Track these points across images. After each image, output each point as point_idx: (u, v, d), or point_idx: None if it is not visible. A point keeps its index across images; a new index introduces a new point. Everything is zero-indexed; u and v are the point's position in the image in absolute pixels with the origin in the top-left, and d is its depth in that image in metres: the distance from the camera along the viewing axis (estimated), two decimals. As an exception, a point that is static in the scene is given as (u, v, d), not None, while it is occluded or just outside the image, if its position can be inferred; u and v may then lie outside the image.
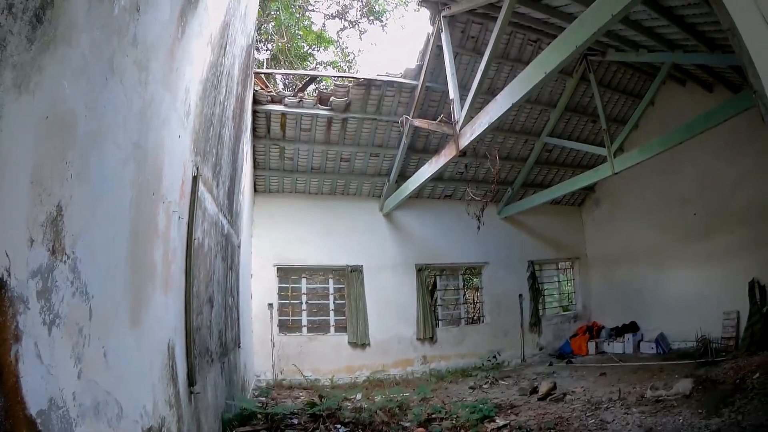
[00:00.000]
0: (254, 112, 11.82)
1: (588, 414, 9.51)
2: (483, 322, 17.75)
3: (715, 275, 14.58)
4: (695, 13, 9.85)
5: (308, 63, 23.05)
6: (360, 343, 14.68)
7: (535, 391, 11.71)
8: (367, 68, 31.32)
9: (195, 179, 4.63)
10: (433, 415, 9.54)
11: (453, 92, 11.03)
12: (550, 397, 11.04)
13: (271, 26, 21.23)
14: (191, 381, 4.36)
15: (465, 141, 10.64)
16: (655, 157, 13.07)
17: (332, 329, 15.00)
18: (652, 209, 16.89)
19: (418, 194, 15.63)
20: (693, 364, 12.44)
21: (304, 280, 14.91)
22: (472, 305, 19.27)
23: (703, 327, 14.07)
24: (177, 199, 4.12)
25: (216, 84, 5.80)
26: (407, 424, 8.74)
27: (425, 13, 11.98)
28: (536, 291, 18.45)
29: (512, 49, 13.06)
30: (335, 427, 7.57)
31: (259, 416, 7.16)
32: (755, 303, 12.85)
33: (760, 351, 11.87)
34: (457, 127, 10.82)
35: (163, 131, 3.72)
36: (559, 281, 20.49)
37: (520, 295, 18.13)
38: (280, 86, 19.74)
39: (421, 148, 14.76)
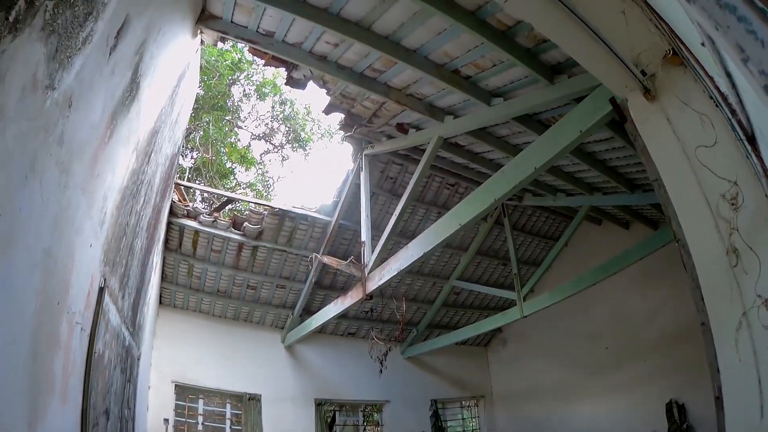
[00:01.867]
0: (169, 224, 11.95)
1: None
2: (384, 459, 17.68)
3: (629, 402, 15.42)
4: (618, 157, 10.66)
5: (229, 180, 23.88)
6: None
7: None
8: (284, 196, 32.45)
9: (101, 291, 4.63)
10: None
11: (365, 234, 11.57)
12: None
13: (198, 136, 21.68)
14: None
15: (373, 285, 11.11)
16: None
17: None
18: (561, 346, 17.85)
19: (321, 329, 16.03)
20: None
21: (201, 401, 14.67)
22: (372, 442, 19.09)
23: (620, 453, 14.59)
24: (81, 309, 4.08)
25: (135, 193, 5.82)
26: None
27: (348, 147, 12.43)
28: (439, 429, 18.81)
29: (429, 191, 13.73)
30: None
31: None
32: (674, 422, 13.86)
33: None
34: (366, 270, 11.33)
35: (76, 239, 3.72)
36: (463, 419, 20.94)
37: (423, 432, 17.97)
38: (198, 200, 19.96)
39: (328, 284, 15.19)
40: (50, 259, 3.20)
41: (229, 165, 23.92)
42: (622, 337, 15.75)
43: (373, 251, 11.22)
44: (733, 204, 3.52)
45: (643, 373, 15.00)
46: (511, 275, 15.16)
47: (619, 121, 5.55)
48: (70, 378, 3.92)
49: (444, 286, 17.02)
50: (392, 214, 11.05)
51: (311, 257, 12.89)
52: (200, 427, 14.54)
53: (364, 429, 18.73)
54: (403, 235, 11.36)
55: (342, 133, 11.93)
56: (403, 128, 10.85)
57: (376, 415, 19.18)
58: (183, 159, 20.97)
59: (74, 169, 3.48)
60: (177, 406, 14.02)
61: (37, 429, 3.16)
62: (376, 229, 11.70)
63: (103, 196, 4.34)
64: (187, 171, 21.24)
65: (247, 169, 25.37)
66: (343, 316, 15.19)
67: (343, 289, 12.71)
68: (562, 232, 16.28)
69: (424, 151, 10.45)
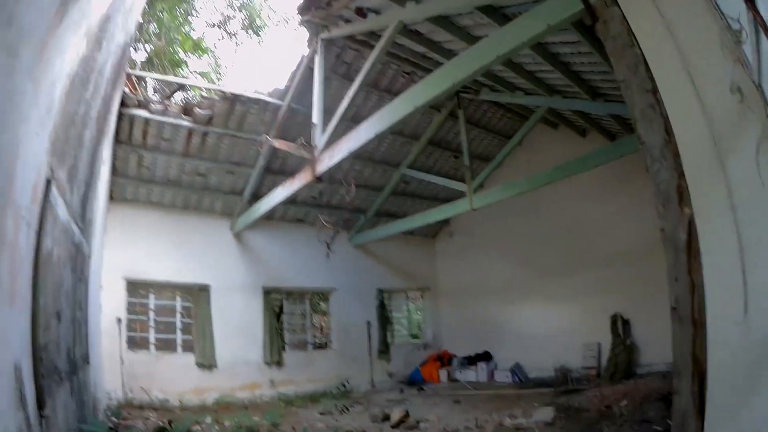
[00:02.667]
0: (119, 115, 11.67)
1: (444, 442, 10.04)
2: (330, 347, 18.70)
3: (574, 310, 16.34)
4: (583, 62, 10.79)
5: (181, 70, 23.44)
6: (207, 364, 14.90)
7: (387, 418, 12.20)
8: (237, 83, 31.62)
9: (49, 183, 4.40)
10: None
11: (317, 116, 11.67)
12: (403, 425, 11.58)
13: (152, 26, 21.27)
14: (41, 404, 4.14)
15: (322, 167, 11.28)
16: (517, 197, 14.23)
17: (180, 348, 15.10)
18: (510, 246, 18.59)
19: (270, 216, 16.27)
20: (552, 392, 13.73)
21: (152, 296, 15.06)
22: (319, 330, 19.88)
23: (561, 358, 15.79)
24: (28, 204, 3.85)
25: (85, 81, 5.61)
26: (258, 452, 8.92)
27: (304, 33, 12.27)
28: (385, 319, 19.63)
29: (384, 78, 14.00)
30: (187, 455, 7.62)
31: (110, 440, 7.02)
32: (618, 336, 14.66)
33: (625, 380, 13.47)
34: (316, 152, 11.48)
35: (21, 127, 3.50)
36: (408, 310, 21.86)
37: (368, 322, 19.16)
38: (150, 92, 19.58)
39: (278, 169, 15.42)
40: (-7, 148, 3.08)
41: (182, 56, 23.60)
42: (571, 244, 16.42)
43: (324, 133, 11.30)
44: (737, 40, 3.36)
45: (591, 283, 15.77)
46: (462, 168, 15.45)
47: (589, 26, 5.51)
48: (18, 278, 3.73)
49: (394, 173, 17.34)
50: (345, 98, 11.01)
51: (261, 139, 12.97)
52: (152, 323, 14.90)
53: (311, 317, 19.09)
54: (355, 121, 11.31)
55: (300, 17, 11.79)
56: (362, 12, 10.83)
57: (322, 304, 19.60)
58: (136, 52, 20.69)
59: (22, 52, 3.34)
60: (129, 304, 14.29)
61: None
62: (329, 114, 11.44)
63: (51, 83, 4.16)
64: (138, 64, 20.76)
65: (200, 57, 25.11)
66: (291, 201, 15.60)
67: (293, 174, 12.61)
68: (516, 131, 16.36)
69: (381, 36, 10.45)
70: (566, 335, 16.16)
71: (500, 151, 16.49)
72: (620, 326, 14.58)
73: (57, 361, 5.31)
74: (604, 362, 14.85)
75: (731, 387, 3.36)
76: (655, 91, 4.26)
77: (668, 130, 4.16)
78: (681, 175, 4.06)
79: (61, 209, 5.23)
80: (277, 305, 17.23)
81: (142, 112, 12.14)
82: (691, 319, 4.01)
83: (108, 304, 12.98)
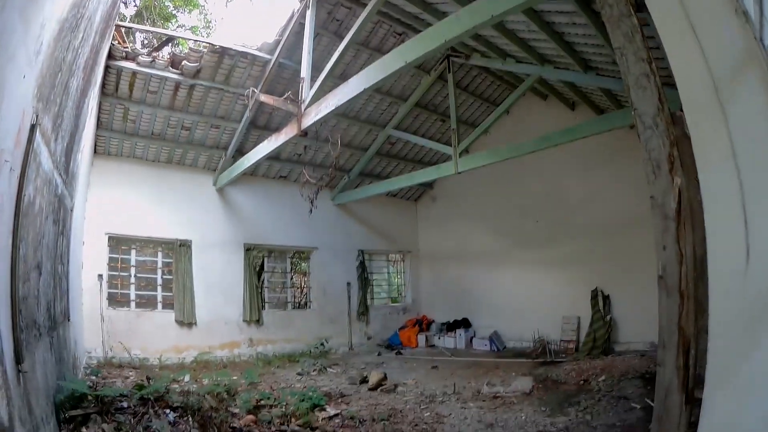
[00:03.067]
0: (106, 67, 11.58)
1: (422, 407, 10.11)
2: (310, 307, 18.85)
3: (553, 281, 16.53)
4: (577, 33, 10.73)
5: (170, 24, 23.26)
6: (187, 322, 15.04)
7: (365, 380, 12.38)
8: (225, 37, 31.15)
9: (33, 128, 4.24)
10: (262, 402, 9.76)
11: (305, 70, 11.55)
12: (381, 388, 11.73)
13: None
14: (19, 358, 4.03)
15: (308, 121, 11.20)
16: (501, 166, 14.69)
17: (160, 306, 15.22)
18: (492, 213, 18.65)
19: (253, 172, 16.57)
20: (530, 363, 14.02)
21: (133, 252, 15.13)
22: (299, 290, 19.97)
23: (540, 329, 15.87)
24: (11, 147, 3.73)
25: (74, 27, 5.41)
26: (236, 410, 9.02)
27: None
28: (365, 280, 19.75)
29: (374, 38, 13.83)
30: (164, 412, 7.68)
31: (89, 398, 6.99)
32: (598, 311, 14.81)
33: (603, 355, 13.70)
34: (303, 106, 11.38)
35: (8, 66, 3.39)
36: (389, 273, 22.11)
37: (348, 284, 19.33)
38: (138, 45, 19.32)
39: (263, 125, 15.32)
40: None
41: (171, 9, 23.45)
42: (554, 215, 16.51)
43: (311, 87, 11.22)
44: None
45: (572, 255, 15.92)
46: (448, 132, 15.34)
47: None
48: None
49: (380, 134, 17.28)
50: (334, 54, 11.02)
51: (248, 92, 12.81)
52: (133, 279, 14.91)
53: (292, 276, 19.13)
54: (343, 78, 11.18)
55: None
56: (356, -31, 10.65)
57: (303, 264, 19.61)
58: (126, 6, 20.56)
59: (15, -11, 3.19)
60: (110, 260, 14.28)
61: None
62: (317, 70, 11.37)
63: (41, 25, 4.02)
64: (127, 18, 20.52)
65: (189, 12, 24.94)
66: (275, 158, 15.94)
67: (279, 130, 12.56)
68: (505, 98, 16.35)
69: (376, -7, 10.33)
70: (546, 307, 16.31)
71: (487, 117, 16.45)
72: (601, 301, 14.70)
73: (37, 315, 5.27)
74: (583, 337, 15.01)
75: (732, 340, 3.26)
76: (650, 60, 4.26)
77: (661, 100, 4.15)
78: (672, 143, 4.04)
79: (44, 157, 5.15)
80: (257, 263, 17.20)
81: (129, 65, 11.95)
82: (679, 289, 4.01)
83: (89, 260, 13.04)
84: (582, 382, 10.94)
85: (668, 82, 3.99)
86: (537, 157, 14.32)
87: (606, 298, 14.68)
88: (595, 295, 14.77)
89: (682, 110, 3.73)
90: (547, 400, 9.78)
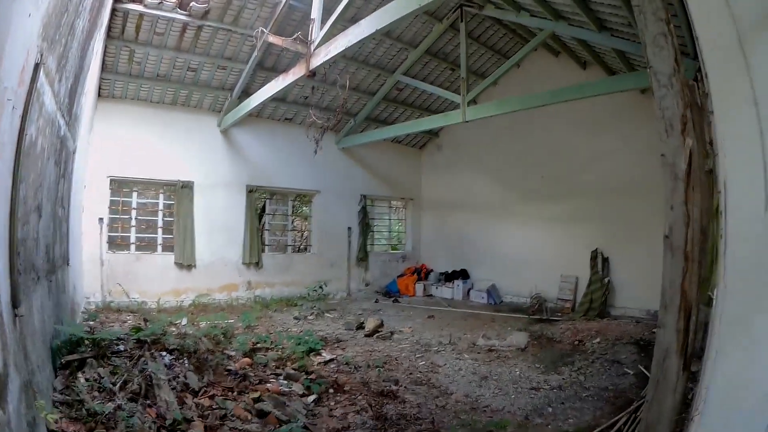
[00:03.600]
0: (113, 11, 11.32)
1: (418, 355, 10.33)
2: (310, 251, 18.99)
3: (554, 238, 16.55)
4: None
5: None
6: (186, 264, 15.26)
7: (361, 326, 12.59)
8: None
9: (37, 67, 4.16)
10: (258, 345, 10.05)
11: (316, 11, 11.33)
12: (377, 335, 11.98)
13: None
14: (15, 302, 3.97)
15: (317, 62, 11.03)
16: (509, 119, 14.95)
17: (160, 248, 15.41)
18: (497, 165, 18.60)
19: (259, 113, 16.51)
20: (526, 319, 14.03)
21: (135, 194, 15.22)
22: (299, 234, 20.02)
23: (538, 286, 16.07)
24: (14, 86, 3.66)
25: None
26: (232, 353, 9.12)
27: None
28: (366, 226, 19.84)
29: (389, -18, 13.24)
30: (160, 355, 7.73)
31: (86, 342, 6.98)
32: (596, 272, 14.84)
33: (599, 318, 13.84)
34: (312, 47, 11.21)
35: (14, 5, 3.34)
36: (390, 219, 22.16)
37: (349, 228, 19.44)
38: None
39: (271, 66, 15.03)
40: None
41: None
42: (559, 172, 16.43)
43: (322, 28, 11.04)
44: None
45: (575, 214, 15.94)
46: (457, 81, 15.31)
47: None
48: None
49: (388, 79, 17.11)
50: (348, 0, 10.81)
51: (257, 32, 12.59)
52: (133, 221, 15.01)
53: (293, 220, 19.19)
54: (353, 22, 10.95)
55: None
56: None
57: (305, 208, 19.67)
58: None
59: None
60: (111, 203, 14.36)
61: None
62: (328, 13, 11.13)
63: None
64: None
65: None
66: (281, 99, 15.91)
67: (286, 71, 12.44)
68: (516, 51, 15.97)
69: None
70: (545, 264, 16.39)
71: (497, 69, 16.08)
72: (600, 263, 14.72)
73: (35, 258, 5.26)
74: (580, 297, 15.06)
75: (747, 291, 3.30)
76: (668, 21, 4.24)
77: (677, 61, 4.16)
78: (687, 104, 4.05)
79: (48, 98, 5.10)
80: (259, 205, 17.25)
81: (137, 7, 11.75)
82: (684, 251, 4.02)
83: (90, 204, 13.09)
84: (577, 342, 11.08)
85: (682, 51, 3.96)
86: (545, 113, 14.41)
87: (605, 260, 14.70)
88: (594, 256, 14.79)
89: (695, 79, 3.71)
90: (542, 358, 9.95)
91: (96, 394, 5.80)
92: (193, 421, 5.98)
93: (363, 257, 19.47)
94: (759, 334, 3.17)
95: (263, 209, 17.89)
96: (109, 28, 11.99)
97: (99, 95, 13.67)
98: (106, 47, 12.47)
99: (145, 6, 11.79)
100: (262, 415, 6.58)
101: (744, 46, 3.24)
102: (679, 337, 4.06)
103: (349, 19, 12.26)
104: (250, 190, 16.76)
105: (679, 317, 4.06)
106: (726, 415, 3.35)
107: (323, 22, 11.14)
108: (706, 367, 3.46)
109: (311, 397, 7.58)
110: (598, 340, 10.97)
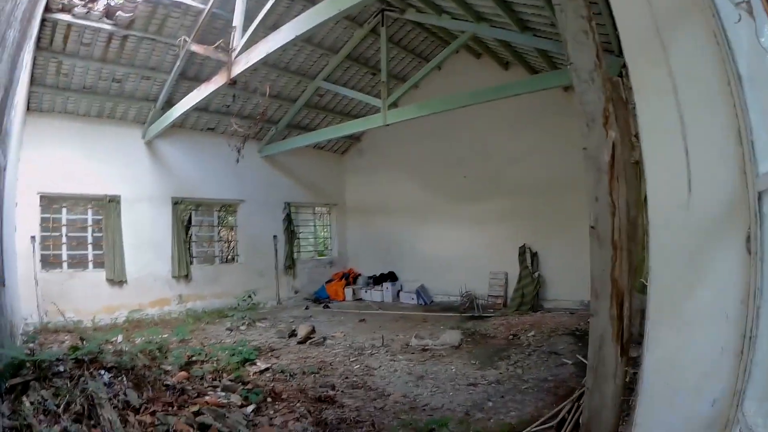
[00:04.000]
0: (42, 21, 11.08)
1: (352, 359, 10.42)
2: (237, 261, 18.87)
3: (481, 237, 16.85)
4: None
5: None
6: (117, 280, 14.99)
7: (293, 334, 12.59)
8: None
9: None
10: (194, 358, 9.88)
11: (238, 18, 11.37)
12: (310, 341, 12.01)
13: None
14: None
15: (238, 69, 11.11)
16: (431, 121, 15.08)
17: (91, 265, 15.15)
18: (420, 168, 18.87)
19: (182, 123, 16.37)
20: (458, 317, 14.35)
21: (64, 210, 14.88)
22: (226, 244, 19.80)
23: (467, 284, 16.25)
24: None
25: None
26: (169, 368, 9.05)
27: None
28: (291, 233, 19.89)
29: (309, -12, 13.39)
30: (99, 373, 7.60)
31: (28, 365, 6.95)
32: (526, 267, 15.21)
33: (531, 312, 14.20)
34: (233, 55, 11.27)
35: None
36: (315, 226, 22.30)
37: (275, 237, 19.39)
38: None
39: (194, 76, 14.97)
40: None
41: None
42: (483, 172, 16.76)
43: (243, 36, 11.09)
44: None
45: (500, 212, 16.26)
46: (378, 86, 15.49)
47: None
48: None
49: (309, 85, 17.17)
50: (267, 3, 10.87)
51: (180, 40, 12.55)
52: (64, 239, 14.73)
53: (219, 230, 19.08)
54: (275, 29, 11.07)
55: None
56: None
57: (230, 218, 19.56)
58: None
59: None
60: (42, 220, 14.09)
61: None
62: (249, 20, 11.09)
63: None
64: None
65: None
66: (204, 109, 15.85)
67: (208, 80, 12.49)
68: (436, 54, 16.33)
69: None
70: (473, 262, 16.64)
71: (418, 72, 16.31)
72: (529, 258, 15.09)
73: (-30, 281, 4.92)
74: (511, 293, 15.40)
75: (675, 275, 3.44)
76: (590, 18, 4.40)
77: (599, 56, 4.34)
78: (608, 99, 4.23)
79: (-25, 113, 4.75)
80: (185, 217, 17.11)
81: (65, 17, 11.59)
82: (611, 240, 4.20)
83: (22, 222, 12.72)
84: (511, 336, 11.35)
85: (606, 48, 4.13)
86: (468, 114, 14.65)
87: (534, 255, 15.07)
88: (523, 251, 15.14)
89: (619, 75, 3.89)
90: (477, 354, 10.11)
91: (42, 417, 5.73)
92: (138, 439, 5.95)
93: (290, 265, 19.47)
94: (689, 317, 3.32)
95: (189, 221, 17.67)
96: (39, 39, 11.78)
97: (28, 108, 13.43)
98: (35, 59, 12.25)
99: (74, 16, 11.62)
100: (203, 428, 6.53)
101: (662, 34, 3.39)
102: (613, 323, 4.23)
103: (270, 26, 12.25)
104: (176, 202, 16.58)
105: (612, 304, 4.23)
106: (669, 396, 3.48)
107: (245, 29, 11.19)
108: (644, 352, 3.61)
109: (250, 407, 7.55)
110: (533, 333, 11.26)
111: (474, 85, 14.00)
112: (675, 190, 3.34)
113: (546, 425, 6.08)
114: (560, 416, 6.11)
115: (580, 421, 5.15)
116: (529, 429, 6.04)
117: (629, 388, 4.29)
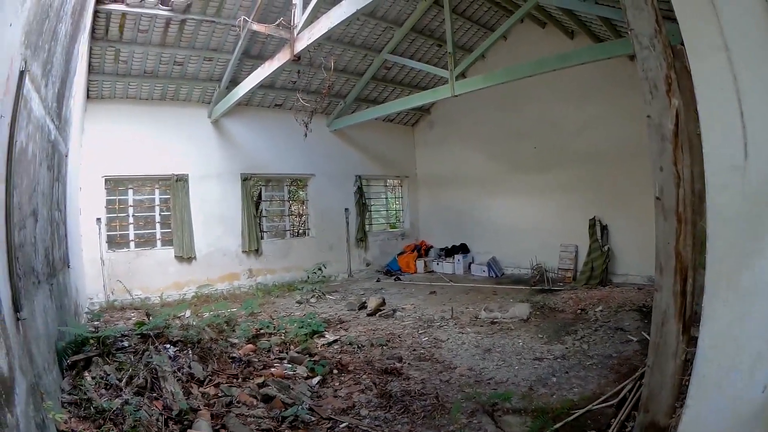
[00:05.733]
0: (95, 12, 11.31)
1: (420, 331, 10.35)
2: (308, 235, 18.95)
3: (552, 208, 16.46)
4: None
5: None
6: (186, 256, 15.33)
7: (363, 306, 12.64)
8: None
9: (22, 75, 4.18)
10: (262, 331, 10.12)
11: (297, -5, 11.26)
12: (379, 313, 12.02)
13: None
14: (17, 306, 3.95)
15: (301, 45, 10.99)
16: (499, 92, 14.77)
17: (159, 243, 15.53)
18: (490, 138, 18.49)
19: (248, 102, 16.45)
20: (528, 290, 14.16)
21: (131, 191, 15.28)
22: (297, 218, 19.87)
23: (538, 256, 16.01)
24: (0, 95, 3.67)
25: None
26: (236, 341, 9.15)
27: None
28: (363, 206, 19.82)
29: (369, -39, 13.14)
30: (165, 347, 7.70)
31: (91, 341, 6.94)
32: (596, 240, 14.80)
33: (600, 286, 13.91)
34: (295, 31, 11.17)
35: None
36: (386, 198, 22.19)
37: (347, 210, 19.41)
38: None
39: (257, 54, 14.97)
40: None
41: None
42: (551, 142, 16.36)
43: (303, 12, 10.95)
44: None
45: (570, 183, 15.84)
46: (444, 57, 15.35)
47: None
48: None
49: (375, 58, 17.01)
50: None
51: (240, 20, 12.50)
52: (131, 219, 15.05)
53: (290, 205, 19.15)
54: (335, 3, 10.95)
55: None
56: None
57: (301, 192, 19.61)
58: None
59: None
60: (108, 202, 14.42)
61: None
62: (309, -3, 11.01)
63: None
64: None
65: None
66: (270, 86, 15.90)
67: (272, 58, 12.42)
68: (501, 24, 15.75)
69: None
70: (544, 234, 16.36)
71: (483, 42, 15.99)
72: (599, 231, 14.69)
73: (35, 262, 5.25)
74: (581, 266, 15.09)
75: (731, 246, 3.29)
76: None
77: (658, 22, 4.08)
78: (670, 65, 3.99)
79: (35, 104, 5.08)
80: (255, 193, 17.23)
81: (118, 7, 11.70)
82: (676, 212, 3.97)
83: (87, 205, 13.13)
84: (579, 311, 11.12)
85: (668, 16, 3.88)
86: (534, 84, 14.27)
87: (604, 227, 14.68)
88: (593, 224, 14.75)
89: (682, 44, 3.64)
90: (544, 328, 9.94)
91: (103, 391, 5.83)
92: (200, 410, 6.01)
93: (362, 237, 19.47)
94: (746, 289, 3.15)
95: (260, 196, 17.89)
96: (93, 30, 11.95)
97: (88, 97, 13.65)
98: (91, 49, 12.43)
99: (127, 5, 11.73)
100: (267, 399, 6.61)
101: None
102: (676, 299, 4.02)
103: (330, 1, 12.17)
104: (245, 179, 16.68)
105: (676, 280, 4.01)
106: (720, 377, 3.32)
107: (305, 6, 11.06)
108: (700, 328, 3.44)
109: (315, 379, 7.62)
110: (600, 308, 11.01)
111: (540, 54, 13.49)
112: (731, 154, 3.22)
113: (607, 403, 5.91)
114: (621, 395, 5.93)
115: (640, 399, 4.95)
116: (589, 406, 5.88)
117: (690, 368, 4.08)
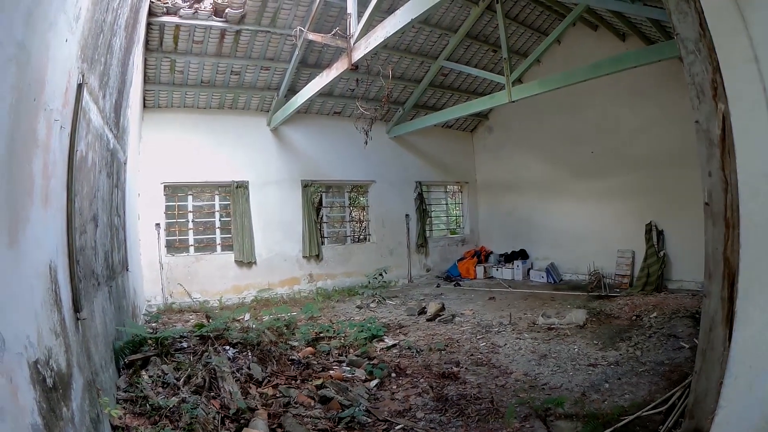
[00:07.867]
0: (148, 25, 11.75)
1: (479, 337, 10.34)
2: (369, 240, 19.02)
3: (609, 213, 16.25)
4: None
5: None
6: (246, 261, 15.51)
7: (423, 311, 12.64)
8: None
9: (80, 87, 4.36)
10: (321, 335, 10.20)
11: (352, 6, 11.28)
12: (438, 318, 11.97)
13: None
14: (77, 307, 4.13)
15: (358, 54, 11.05)
16: (554, 96, 14.55)
17: (219, 248, 15.79)
18: (547, 143, 18.35)
19: (307, 109, 16.63)
20: (585, 296, 14.00)
21: (190, 198, 15.61)
22: (357, 224, 20.04)
23: (596, 262, 15.85)
24: (60, 107, 3.83)
25: None
26: (295, 344, 9.29)
27: None
28: (423, 212, 19.82)
29: (423, -29, 13.18)
30: (224, 349, 7.74)
31: (149, 342, 7.15)
32: (652, 245, 14.54)
33: (656, 292, 13.64)
34: (352, 41, 11.25)
35: (50, 33, 3.44)
36: (447, 204, 22.17)
37: (407, 215, 19.43)
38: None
39: (314, 62, 15.19)
40: (24, 53, 2.96)
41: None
42: (607, 146, 16.18)
43: (359, 22, 11.05)
44: None
45: (626, 187, 15.62)
46: (500, 63, 15.33)
47: None
48: (51, 180, 3.71)
49: (432, 65, 17.03)
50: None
51: (296, 31, 12.67)
52: (190, 224, 15.38)
53: (351, 211, 19.24)
54: (390, 12, 10.93)
55: None
56: None
57: (361, 198, 19.71)
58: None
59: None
60: (167, 208, 14.77)
61: (19, 237, 2.97)
62: (363, 6, 11.12)
63: None
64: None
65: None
66: (328, 94, 15.98)
67: (329, 66, 12.51)
68: (554, 28, 15.84)
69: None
70: (601, 239, 16.18)
71: (538, 47, 15.87)
72: (655, 236, 14.45)
73: (94, 265, 5.42)
74: (637, 271, 14.85)
75: (763, 251, 3.31)
76: (690, -14, 4.09)
77: (702, 26, 4.00)
78: (716, 69, 3.92)
79: (93, 114, 5.27)
80: (315, 199, 17.40)
81: (171, 19, 12.03)
82: (724, 218, 3.91)
83: (146, 211, 13.52)
84: (634, 317, 10.96)
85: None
86: (589, 88, 14.06)
87: (660, 233, 14.42)
88: (649, 229, 14.51)
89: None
90: (600, 334, 9.84)
91: (160, 389, 6.01)
92: (257, 409, 6.12)
93: (422, 243, 19.47)
94: None
95: (320, 202, 18.07)
96: (147, 42, 12.27)
97: (144, 106, 14.02)
98: (146, 60, 12.78)
99: (180, 17, 12.02)
100: (324, 401, 6.71)
101: (739, 2, 3.23)
102: (723, 305, 3.94)
103: (385, 10, 12.25)
104: (305, 185, 16.81)
105: (723, 285, 3.93)
106: (751, 379, 3.35)
107: (360, 15, 11.17)
108: (733, 331, 3.50)
109: (374, 382, 7.71)
110: (654, 314, 10.82)
111: (593, 57, 13.32)
112: (763, 161, 3.27)
113: (656, 410, 5.82)
114: (670, 402, 5.84)
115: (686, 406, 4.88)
116: (639, 413, 5.82)
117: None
